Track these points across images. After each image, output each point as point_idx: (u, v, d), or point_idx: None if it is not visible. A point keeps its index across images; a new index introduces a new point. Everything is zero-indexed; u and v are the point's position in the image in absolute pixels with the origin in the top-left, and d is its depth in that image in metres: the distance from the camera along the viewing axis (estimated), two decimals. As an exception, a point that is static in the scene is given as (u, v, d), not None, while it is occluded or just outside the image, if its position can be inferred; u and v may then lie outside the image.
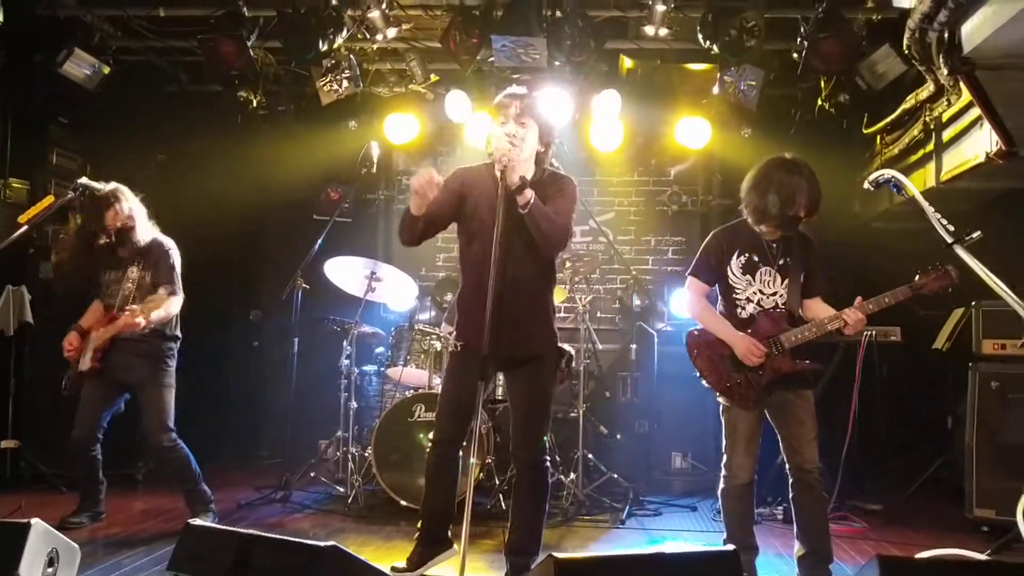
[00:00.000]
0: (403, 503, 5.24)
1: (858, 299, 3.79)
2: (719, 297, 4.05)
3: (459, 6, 5.72)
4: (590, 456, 5.83)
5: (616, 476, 5.87)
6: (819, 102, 6.38)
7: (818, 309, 3.96)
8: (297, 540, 2.80)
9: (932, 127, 5.64)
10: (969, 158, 5.16)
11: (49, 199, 4.50)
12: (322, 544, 2.70)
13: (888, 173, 3.40)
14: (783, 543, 4.79)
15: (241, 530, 2.88)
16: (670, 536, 5.12)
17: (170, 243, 4.94)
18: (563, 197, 3.81)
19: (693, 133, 6.82)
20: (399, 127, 7.06)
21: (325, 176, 7.46)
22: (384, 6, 5.72)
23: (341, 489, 5.81)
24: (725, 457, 3.97)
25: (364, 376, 6.55)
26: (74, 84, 6.04)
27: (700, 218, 7.70)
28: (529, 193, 3.60)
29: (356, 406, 5.96)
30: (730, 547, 2.88)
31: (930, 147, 5.75)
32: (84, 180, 4.70)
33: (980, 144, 4.96)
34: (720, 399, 3.96)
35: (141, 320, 4.57)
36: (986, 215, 6.06)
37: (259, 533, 2.81)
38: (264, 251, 8.09)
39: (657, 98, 6.72)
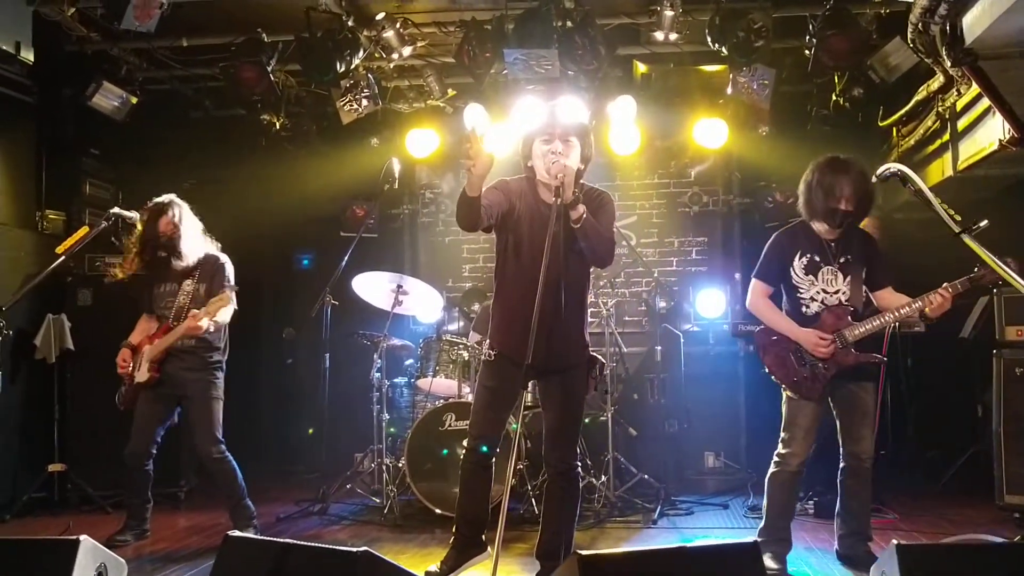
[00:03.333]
0: (438, 511, 5.32)
1: (944, 284, 3.88)
2: (784, 296, 4.20)
3: (471, 22, 5.83)
4: (620, 458, 5.90)
5: (647, 477, 5.92)
6: (834, 97, 6.41)
7: (891, 299, 4.12)
8: (331, 547, 2.90)
9: (947, 117, 5.66)
10: (984, 146, 5.18)
11: (84, 230, 4.65)
12: (355, 550, 2.77)
13: (894, 167, 3.45)
14: (814, 537, 4.83)
15: (277, 539, 2.98)
16: (702, 534, 5.16)
17: (225, 257, 5.08)
18: (605, 212, 3.90)
19: (710, 133, 6.88)
20: (420, 142, 7.22)
21: (350, 193, 7.56)
22: (398, 25, 5.88)
23: (377, 500, 5.91)
24: (780, 444, 4.14)
25: (395, 388, 6.64)
26: (104, 116, 6.24)
27: (722, 218, 7.69)
28: (582, 208, 3.66)
29: (388, 418, 6.05)
30: (752, 540, 2.93)
31: (946, 137, 5.76)
32: (117, 209, 4.87)
33: (994, 132, 4.98)
34: (787, 392, 4.11)
35: (205, 321, 4.67)
36: (1006, 202, 6.06)
37: (294, 541, 2.90)
38: (293, 270, 8.22)
39: (673, 101, 6.79)
